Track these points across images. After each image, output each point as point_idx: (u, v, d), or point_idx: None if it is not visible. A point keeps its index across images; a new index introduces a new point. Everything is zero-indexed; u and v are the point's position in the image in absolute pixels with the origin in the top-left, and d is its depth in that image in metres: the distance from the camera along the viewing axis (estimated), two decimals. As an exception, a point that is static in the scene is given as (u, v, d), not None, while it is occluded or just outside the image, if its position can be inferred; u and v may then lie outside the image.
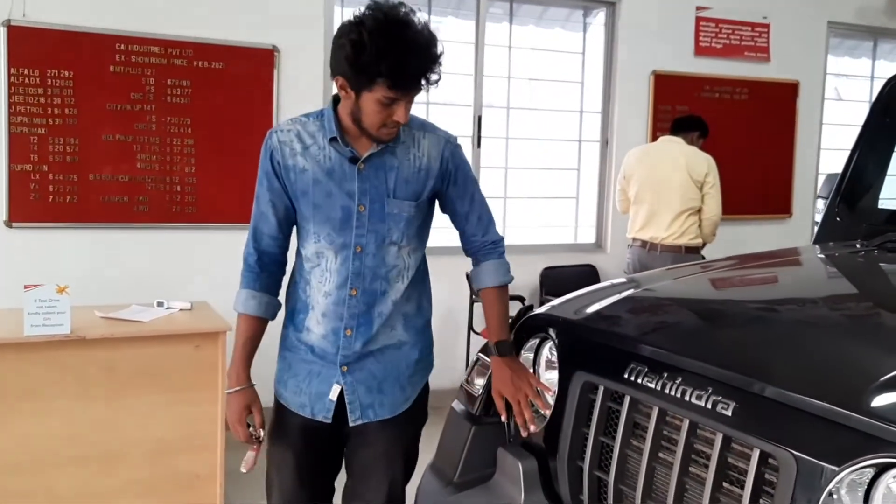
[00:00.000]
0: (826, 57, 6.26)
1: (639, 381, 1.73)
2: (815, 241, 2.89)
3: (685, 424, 1.62)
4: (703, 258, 4.71)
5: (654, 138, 5.27)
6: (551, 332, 2.11)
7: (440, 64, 1.95)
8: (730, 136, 5.74)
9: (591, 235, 5.71)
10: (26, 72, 4.02)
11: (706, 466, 1.57)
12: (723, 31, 5.86)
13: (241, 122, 4.32)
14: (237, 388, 2.12)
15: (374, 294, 2.06)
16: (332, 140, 2.01)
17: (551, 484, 1.99)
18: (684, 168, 4.65)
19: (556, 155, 5.72)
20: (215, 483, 3.35)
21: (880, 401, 1.40)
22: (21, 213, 4.07)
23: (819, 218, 2.98)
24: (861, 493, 1.34)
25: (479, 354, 2.42)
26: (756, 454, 1.46)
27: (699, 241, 4.71)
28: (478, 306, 5.03)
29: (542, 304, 4.86)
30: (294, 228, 2.15)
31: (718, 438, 1.54)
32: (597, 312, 2.12)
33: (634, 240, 4.86)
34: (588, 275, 5.44)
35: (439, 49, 1.94)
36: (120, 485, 3.31)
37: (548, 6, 5.53)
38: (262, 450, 2.16)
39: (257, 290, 2.13)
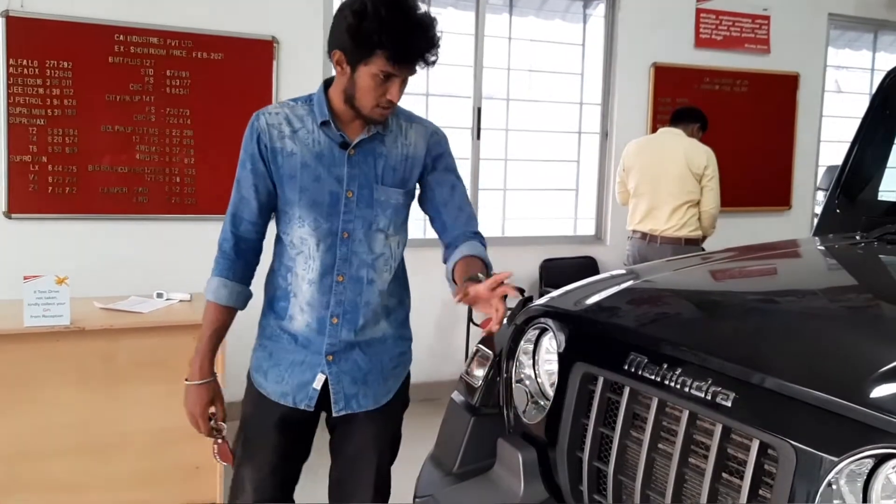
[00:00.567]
0: (826, 49, 6.25)
1: (638, 372, 1.73)
2: (815, 233, 2.89)
3: (685, 415, 1.62)
4: (703, 250, 4.71)
5: (654, 130, 5.26)
6: (551, 322, 2.10)
7: (438, 47, 1.94)
8: (730, 128, 5.74)
9: (590, 227, 5.71)
10: (25, 62, 4.00)
11: (705, 457, 1.57)
12: (723, 23, 5.85)
13: (241, 114, 4.22)
14: (202, 381, 2.07)
15: (361, 282, 2.04)
16: (324, 124, 2.00)
17: (551, 474, 1.99)
18: (683, 160, 4.64)
19: (556, 147, 5.71)
20: (215, 473, 3.35)
21: (879, 392, 1.40)
22: (20, 204, 4.06)
23: (819, 210, 2.98)
24: (860, 484, 1.35)
25: (479, 346, 2.43)
26: (755, 445, 1.46)
27: (699, 233, 4.71)
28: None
29: (541, 295, 4.88)
30: (274, 215, 2.11)
31: (718, 429, 1.54)
32: (597, 304, 2.12)
33: (634, 232, 4.86)
34: (587, 267, 5.45)
35: (438, 33, 1.93)
36: (120, 475, 3.32)
37: (548, -3, 5.53)
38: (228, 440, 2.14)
39: (230, 278, 2.07)
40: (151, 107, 4.24)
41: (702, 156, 4.66)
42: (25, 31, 4.00)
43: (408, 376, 2.22)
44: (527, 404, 2.15)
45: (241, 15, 4.38)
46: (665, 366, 1.67)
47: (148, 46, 4.21)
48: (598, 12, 5.58)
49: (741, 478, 1.49)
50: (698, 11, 5.74)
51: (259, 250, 2.12)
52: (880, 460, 1.33)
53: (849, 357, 1.60)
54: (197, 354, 2.08)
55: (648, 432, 1.69)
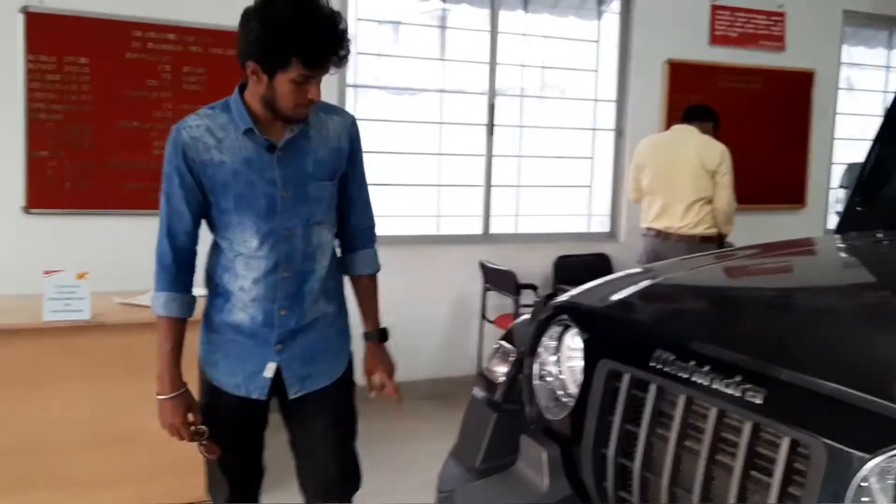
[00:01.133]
0: (841, 46, 6.23)
1: (665, 369, 1.73)
2: (837, 231, 2.88)
3: (713, 413, 1.62)
4: (732, 245, 4.68)
5: (668, 127, 5.24)
6: (575, 319, 2.10)
7: (348, 41, 1.98)
8: (744, 125, 5.73)
9: (604, 224, 5.71)
10: (44, 58, 4.02)
11: (734, 455, 1.57)
12: (738, 20, 5.84)
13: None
14: (175, 394, 2.15)
15: (304, 272, 2.12)
16: (248, 131, 2.03)
17: (575, 471, 1.99)
18: (696, 157, 4.63)
19: (570, 143, 5.71)
20: (232, 469, 3.37)
21: (911, 388, 1.40)
22: (39, 199, 4.09)
23: (840, 208, 2.98)
24: (892, 481, 1.35)
25: (500, 342, 2.43)
26: (786, 442, 1.46)
27: (714, 230, 4.70)
28: (490, 295, 5.03)
29: (554, 292, 4.88)
30: (206, 222, 2.16)
31: (747, 427, 1.54)
32: (622, 300, 2.12)
33: (649, 229, 4.85)
34: (601, 264, 5.44)
35: (343, 25, 1.97)
36: (137, 469, 3.34)
37: (562, -6, 5.52)
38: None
39: (176, 290, 2.15)
40: (168, 103, 4.26)
41: (715, 153, 4.64)
42: (44, 27, 4.02)
43: (351, 354, 2.30)
44: (549, 401, 2.15)
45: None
46: (692, 363, 1.67)
47: (165, 42, 4.23)
48: (613, 9, 5.57)
49: (770, 475, 1.49)
50: (713, 8, 5.73)
51: (195, 255, 2.18)
52: (913, 457, 1.33)
53: (879, 353, 1.60)
54: (163, 370, 2.15)
55: (675, 429, 1.69)
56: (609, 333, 2.02)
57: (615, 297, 2.15)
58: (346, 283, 2.33)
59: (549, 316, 2.21)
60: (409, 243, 4.89)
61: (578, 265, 5.36)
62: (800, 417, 1.45)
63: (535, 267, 5.25)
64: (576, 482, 1.99)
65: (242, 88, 2.08)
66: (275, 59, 1.93)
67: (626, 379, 1.85)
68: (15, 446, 3.18)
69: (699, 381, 1.64)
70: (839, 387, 1.43)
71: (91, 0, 4.09)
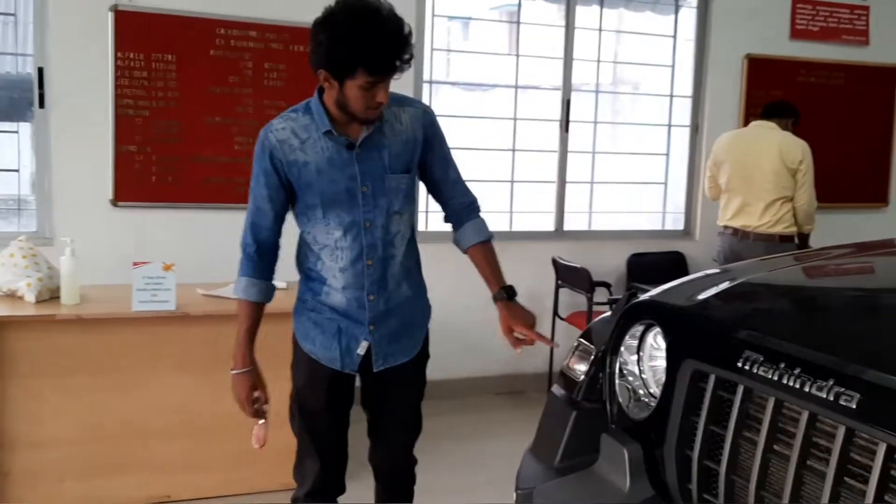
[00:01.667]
0: (927, 41, 6.03)
1: (754, 370, 1.70)
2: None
3: (804, 416, 1.59)
4: (808, 246, 4.59)
5: (747, 123, 5.16)
6: (658, 319, 2.09)
7: (411, 45, 2.11)
8: (825, 122, 5.59)
9: (679, 222, 5.63)
10: (132, 55, 4.15)
11: (825, 460, 1.54)
12: (820, 14, 5.70)
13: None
14: (244, 370, 2.35)
15: (386, 259, 2.30)
16: (327, 132, 2.19)
17: (656, 471, 1.98)
18: (778, 154, 4.54)
19: (645, 140, 5.65)
20: (310, 458, 3.43)
21: None
22: (126, 192, 4.21)
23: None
24: None
25: (580, 339, 2.43)
26: (882, 448, 1.43)
27: (794, 229, 4.61)
28: (563, 292, 5.01)
29: (628, 290, 4.84)
30: (293, 216, 2.34)
31: (841, 431, 1.51)
32: (706, 300, 2.09)
33: (726, 227, 4.77)
34: (676, 262, 5.38)
35: (406, 30, 2.10)
36: (218, 457, 3.43)
37: (639, -11, 5.46)
38: (268, 424, 2.42)
39: (256, 277, 2.36)
40: (249, 99, 4.35)
41: (797, 150, 4.55)
42: (132, 24, 4.14)
43: (428, 329, 2.49)
44: (630, 400, 2.14)
45: (337, 8, 4.44)
46: (783, 364, 1.64)
47: (247, 40, 4.33)
48: (690, 3, 5.48)
49: (865, 482, 1.46)
50: (794, 2, 5.60)
51: (278, 247, 2.38)
52: None
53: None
54: (237, 347, 2.36)
55: (764, 433, 1.66)
56: (694, 333, 2.00)
57: (699, 297, 2.12)
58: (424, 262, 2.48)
59: (631, 315, 2.19)
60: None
61: (652, 263, 5.31)
62: (897, 423, 1.42)
63: (608, 264, 5.22)
64: (658, 483, 1.97)
65: (321, 91, 2.21)
66: (342, 69, 2.08)
67: (712, 380, 1.83)
68: (105, 432, 3.30)
69: (789, 383, 1.61)
70: (939, 393, 1.40)
71: (178, -2, 4.21)
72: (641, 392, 2.12)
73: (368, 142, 2.22)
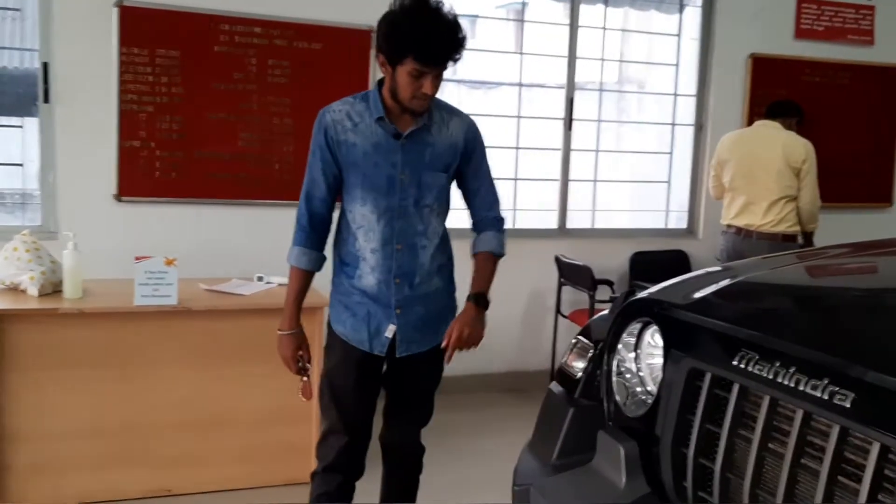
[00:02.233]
0: (933, 41, 6.01)
1: (749, 368, 1.70)
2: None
3: (798, 415, 1.58)
4: (811, 245, 4.59)
5: (751, 123, 5.16)
6: (656, 317, 2.09)
7: (462, 46, 2.30)
8: (829, 121, 5.58)
9: (682, 221, 5.63)
10: (136, 51, 4.16)
11: (820, 459, 1.53)
12: (825, 13, 5.68)
13: (339, 103, 4.38)
14: (291, 332, 2.52)
15: (415, 248, 2.46)
16: (379, 119, 2.38)
17: (652, 469, 1.98)
18: (781, 153, 4.54)
19: (648, 138, 5.64)
20: (310, 454, 3.42)
21: None
22: (130, 187, 4.23)
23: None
24: None
25: (579, 336, 2.43)
26: (876, 448, 1.43)
27: (797, 228, 4.61)
28: (565, 289, 5.02)
29: (633, 289, 4.84)
30: (339, 196, 2.49)
31: (835, 430, 1.50)
32: (704, 298, 2.09)
33: (729, 226, 4.78)
34: (679, 260, 5.38)
35: (462, 34, 2.29)
36: (219, 451, 3.45)
37: (644, -13, 5.45)
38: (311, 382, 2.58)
39: (308, 247, 2.49)
40: (254, 95, 4.36)
41: (800, 149, 4.55)
42: (137, 20, 4.15)
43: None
44: (627, 397, 2.14)
45: (341, 5, 4.45)
46: (778, 363, 1.64)
47: (251, 36, 4.33)
48: (695, 2, 5.48)
49: (859, 482, 1.46)
50: (799, 1, 5.60)
51: (329, 222, 2.54)
52: None
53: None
54: (286, 309, 2.52)
55: (759, 431, 1.67)
56: (691, 331, 1.99)
57: (697, 295, 2.12)
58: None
59: (630, 312, 2.19)
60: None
61: (655, 261, 5.31)
62: (891, 422, 1.42)
63: (611, 262, 5.22)
64: (654, 480, 1.98)
65: (381, 84, 2.40)
66: (394, 53, 2.28)
67: (707, 378, 1.83)
68: (107, 426, 3.32)
69: (785, 382, 1.61)
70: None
71: (181, -6, 4.22)
72: (638, 389, 2.12)
73: (415, 136, 2.41)
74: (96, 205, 4.20)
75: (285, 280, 3.58)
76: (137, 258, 3.25)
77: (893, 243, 2.62)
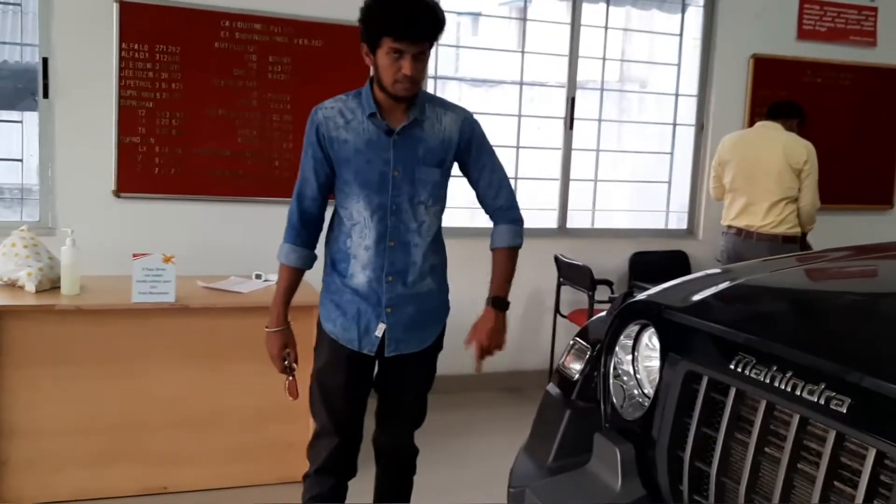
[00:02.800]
0: (935, 42, 6.00)
1: (746, 372, 1.69)
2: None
3: (795, 420, 1.58)
4: (811, 247, 4.59)
5: (752, 123, 5.15)
6: (653, 319, 2.08)
7: (440, 23, 2.29)
8: (831, 123, 5.57)
9: (682, 221, 5.62)
10: (136, 47, 4.15)
11: (816, 464, 1.53)
12: (828, 14, 5.67)
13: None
14: (278, 329, 2.51)
15: (408, 245, 2.43)
16: (371, 115, 2.37)
17: (648, 472, 1.98)
18: (783, 155, 4.54)
19: (649, 138, 5.63)
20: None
21: None
22: (128, 183, 4.22)
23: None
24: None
25: (576, 338, 2.42)
26: (872, 454, 1.42)
27: (797, 230, 4.60)
28: (564, 289, 5.01)
29: (630, 289, 4.83)
30: (332, 193, 2.48)
31: (831, 436, 1.50)
32: (702, 301, 2.09)
33: (729, 227, 4.77)
34: (679, 261, 5.37)
35: (439, 13, 2.29)
36: (214, 449, 3.44)
37: (646, -13, 5.44)
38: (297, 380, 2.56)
39: (298, 244, 2.49)
40: (254, 92, 4.36)
41: (801, 150, 4.54)
42: (137, 16, 4.14)
43: (444, 325, 2.61)
44: (624, 400, 2.14)
45: (342, 2, 4.40)
46: (775, 367, 1.63)
47: (252, 33, 4.33)
48: (697, 2, 5.46)
49: (854, 487, 1.45)
50: (802, 2, 5.58)
51: (321, 221, 2.53)
52: None
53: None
54: (274, 306, 2.52)
55: (755, 435, 1.66)
56: (688, 334, 1.99)
57: (695, 298, 2.12)
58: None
59: (627, 314, 2.19)
60: (485, 235, 4.88)
61: (655, 262, 5.30)
62: (887, 428, 1.42)
63: (610, 262, 5.21)
64: (649, 483, 1.97)
65: (373, 81, 2.38)
66: (372, 37, 2.27)
67: (704, 381, 1.83)
68: (103, 422, 3.31)
69: (781, 386, 1.60)
70: (930, 399, 1.39)
71: (182, -10, 4.21)
72: (635, 392, 2.12)
73: (407, 132, 2.39)
74: (95, 201, 4.19)
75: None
76: (135, 255, 3.24)
77: (894, 247, 2.61)
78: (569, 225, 5.30)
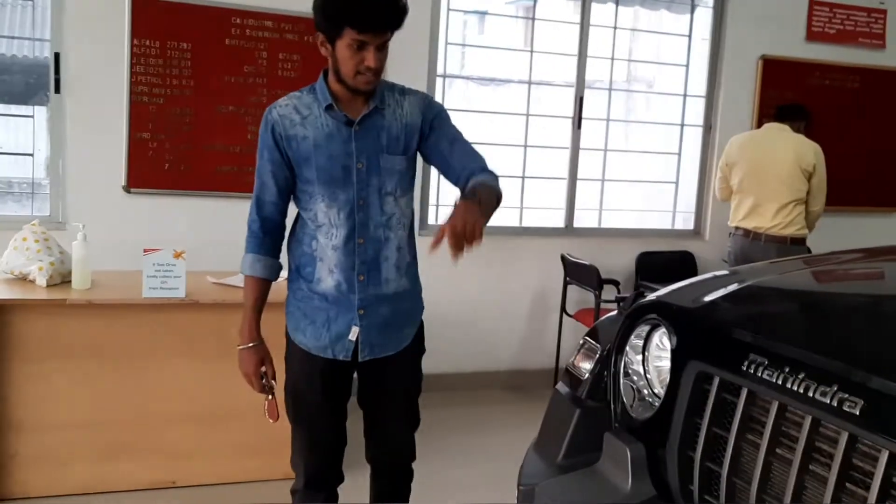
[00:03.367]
0: (944, 46, 5.99)
1: (758, 373, 1.70)
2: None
3: (807, 421, 1.59)
4: (809, 250, 4.60)
5: (760, 125, 5.14)
6: (664, 319, 2.09)
7: (403, 12, 2.14)
8: (839, 124, 5.57)
9: (689, 222, 5.62)
10: (147, 42, 4.16)
11: (828, 466, 1.54)
12: (837, 16, 5.66)
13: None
14: (251, 345, 2.38)
15: (379, 241, 2.30)
16: (328, 108, 2.23)
17: (658, 471, 1.98)
18: (793, 156, 4.54)
19: (657, 138, 5.63)
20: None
21: None
22: (139, 179, 4.24)
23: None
24: None
25: (586, 338, 2.43)
26: (885, 456, 1.43)
27: (805, 231, 4.61)
28: (571, 288, 5.01)
29: (637, 289, 4.84)
30: (293, 196, 2.36)
31: (843, 438, 1.51)
32: (714, 301, 2.10)
33: (737, 228, 4.77)
34: (685, 261, 5.37)
35: (402, 2, 2.14)
36: (223, 444, 3.45)
37: (655, -13, 5.44)
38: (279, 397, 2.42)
39: (262, 254, 2.38)
40: (264, 89, 4.36)
41: (811, 152, 4.55)
42: (149, 12, 4.15)
43: (422, 324, 2.48)
44: (634, 399, 2.15)
45: (352, 0, 4.44)
46: (787, 369, 1.64)
47: (262, 30, 4.34)
48: (706, 2, 5.46)
49: (867, 489, 1.46)
50: (811, 4, 5.57)
51: (283, 227, 2.42)
52: None
53: None
54: (244, 322, 2.39)
55: (767, 436, 1.67)
56: (700, 335, 2.00)
57: (707, 298, 2.13)
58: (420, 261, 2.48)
59: (638, 314, 2.20)
60: (491, 234, 4.84)
61: (662, 262, 5.30)
62: (900, 431, 1.42)
63: (617, 262, 5.22)
64: (659, 483, 1.98)
65: (327, 73, 2.26)
66: (331, 26, 2.12)
67: (716, 382, 1.83)
68: (112, 417, 3.33)
69: (794, 387, 1.61)
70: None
71: (194, -14, 4.22)
72: (645, 392, 2.13)
73: (367, 121, 2.26)
74: (105, 196, 4.20)
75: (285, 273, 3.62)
76: (146, 250, 3.25)
77: (902, 250, 2.62)
78: (576, 224, 5.30)
